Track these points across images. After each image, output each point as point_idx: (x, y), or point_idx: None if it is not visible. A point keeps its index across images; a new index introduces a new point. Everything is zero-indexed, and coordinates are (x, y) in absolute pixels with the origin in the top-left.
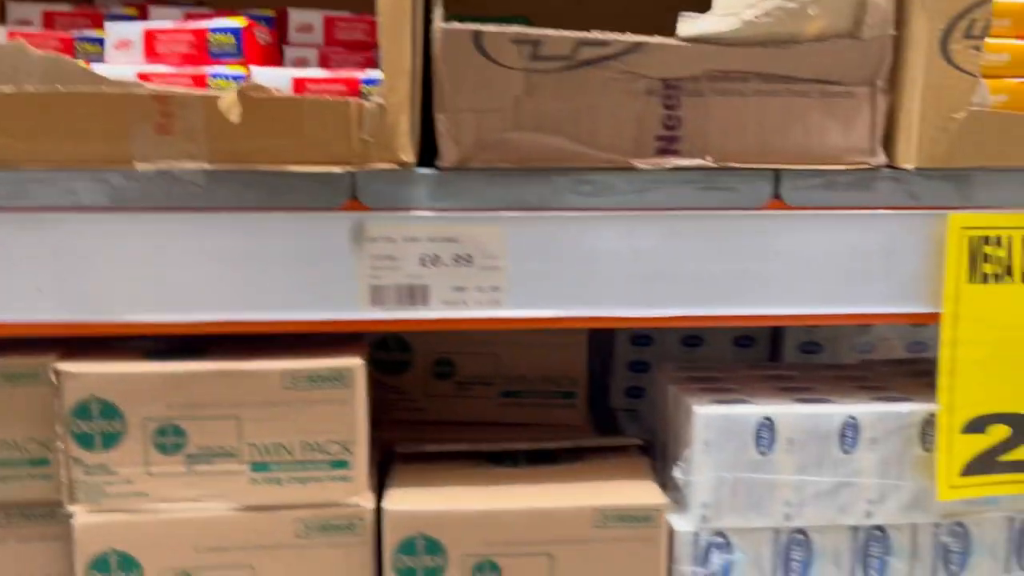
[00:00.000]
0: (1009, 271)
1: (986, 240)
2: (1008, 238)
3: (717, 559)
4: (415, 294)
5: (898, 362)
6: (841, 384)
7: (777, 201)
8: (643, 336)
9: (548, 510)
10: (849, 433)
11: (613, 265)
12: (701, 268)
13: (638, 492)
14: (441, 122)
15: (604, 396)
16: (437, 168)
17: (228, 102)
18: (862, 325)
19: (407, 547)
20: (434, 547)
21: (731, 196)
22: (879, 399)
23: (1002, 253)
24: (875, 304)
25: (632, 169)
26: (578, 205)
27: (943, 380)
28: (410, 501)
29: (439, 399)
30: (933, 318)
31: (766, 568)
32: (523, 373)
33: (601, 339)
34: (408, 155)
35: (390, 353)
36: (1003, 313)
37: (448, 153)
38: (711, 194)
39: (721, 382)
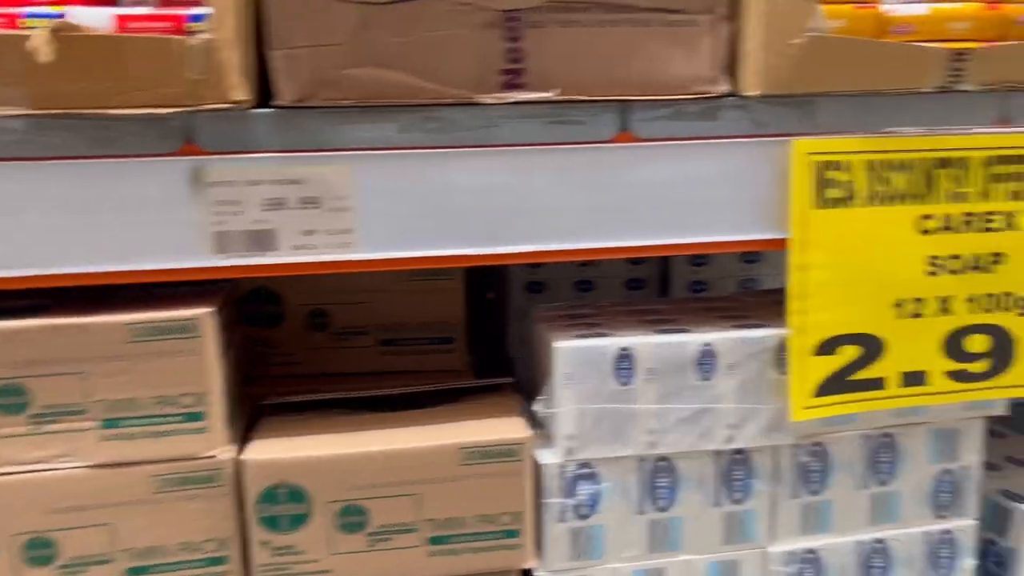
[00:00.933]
0: (853, 195)
1: (830, 165)
2: (850, 163)
3: (584, 489)
4: (262, 239)
5: (766, 292)
6: (705, 315)
7: (626, 133)
8: (536, 283)
9: (412, 450)
10: (706, 360)
11: (464, 203)
12: (553, 203)
13: (503, 428)
14: (274, 59)
15: (501, 344)
16: (276, 107)
17: (37, 42)
18: (747, 262)
19: (269, 496)
20: (297, 495)
21: (580, 130)
22: (737, 327)
23: (846, 178)
24: (726, 232)
25: (478, 104)
26: (426, 143)
27: (793, 304)
28: (272, 450)
29: (315, 351)
30: (783, 244)
31: (633, 495)
32: (400, 321)
33: (496, 287)
34: (241, 94)
35: (260, 306)
36: (849, 236)
37: (284, 91)
38: (560, 128)
39: (589, 319)
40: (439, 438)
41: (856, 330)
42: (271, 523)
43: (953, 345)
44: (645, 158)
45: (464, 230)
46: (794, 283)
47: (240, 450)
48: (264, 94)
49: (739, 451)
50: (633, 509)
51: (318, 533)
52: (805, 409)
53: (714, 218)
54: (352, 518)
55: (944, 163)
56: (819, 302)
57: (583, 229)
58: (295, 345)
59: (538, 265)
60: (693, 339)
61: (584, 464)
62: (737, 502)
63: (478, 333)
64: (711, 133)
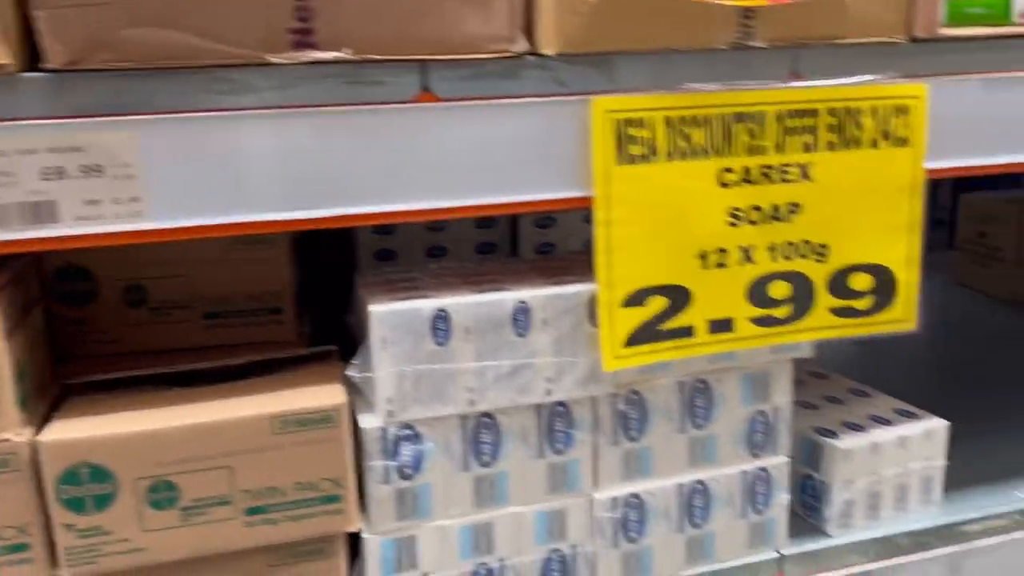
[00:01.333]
0: (654, 151)
1: (631, 123)
2: (650, 119)
3: (407, 451)
4: (41, 211)
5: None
6: (526, 274)
7: (427, 94)
8: (386, 251)
9: (221, 423)
10: (521, 317)
11: (261, 167)
12: (354, 165)
13: (318, 395)
14: (39, 20)
15: (347, 312)
16: (48, 71)
17: None
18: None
19: (71, 477)
20: (101, 474)
21: (379, 90)
22: (553, 283)
23: (646, 134)
24: (531, 191)
25: (271, 65)
26: (217, 105)
27: (600, 259)
28: (72, 430)
29: (135, 328)
30: (588, 201)
31: (456, 453)
32: (223, 293)
33: (346, 256)
34: (4, 57)
35: (70, 283)
36: (652, 191)
37: (53, 53)
38: (358, 89)
39: (410, 283)
40: (249, 409)
41: (662, 282)
42: (74, 505)
43: (757, 292)
44: (447, 119)
45: (261, 196)
46: (600, 239)
47: (37, 432)
48: (36, 58)
49: (559, 403)
50: (458, 467)
51: (127, 512)
52: (616, 359)
53: (519, 178)
54: (162, 494)
55: (741, 118)
56: (625, 256)
57: (386, 191)
58: (111, 323)
59: (388, 232)
60: (508, 297)
61: (406, 426)
62: (560, 453)
63: (328, 303)
64: (512, 92)
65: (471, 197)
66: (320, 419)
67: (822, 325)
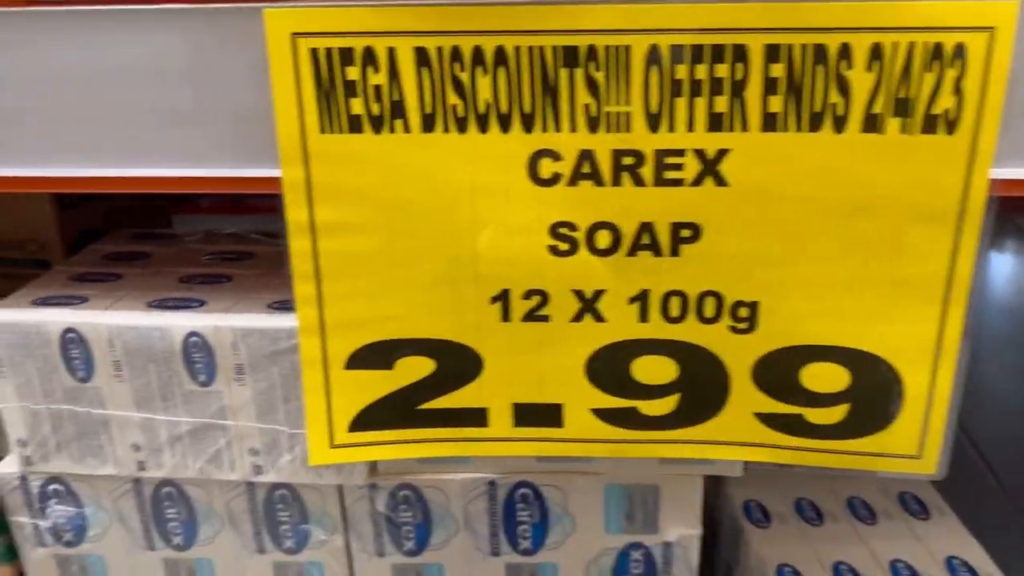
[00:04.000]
0: (399, 111)
1: (346, 57)
2: (385, 49)
3: (60, 511)
4: None
5: None
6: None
7: None
8: None
9: None
10: (198, 356)
11: None
12: None
13: None
14: None
15: None
16: None
17: None
18: None
19: None
20: None
21: None
22: (270, 308)
23: (380, 80)
24: (170, 164)
25: None
26: None
27: (301, 288)
28: None
29: None
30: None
31: (133, 525)
32: None
33: None
34: None
35: None
36: (396, 181)
37: None
38: None
39: (123, 264)
40: None
41: (425, 334)
42: None
43: (608, 369)
44: (35, 33)
45: None
46: (298, 255)
47: None
48: None
49: (281, 486)
50: (139, 543)
51: None
52: (331, 450)
53: (153, 138)
54: None
55: (573, 55)
56: (351, 286)
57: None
58: None
59: None
60: (174, 324)
61: (54, 479)
62: (290, 552)
63: None
64: None
65: (65, 165)
66: None
67: (739, 439)
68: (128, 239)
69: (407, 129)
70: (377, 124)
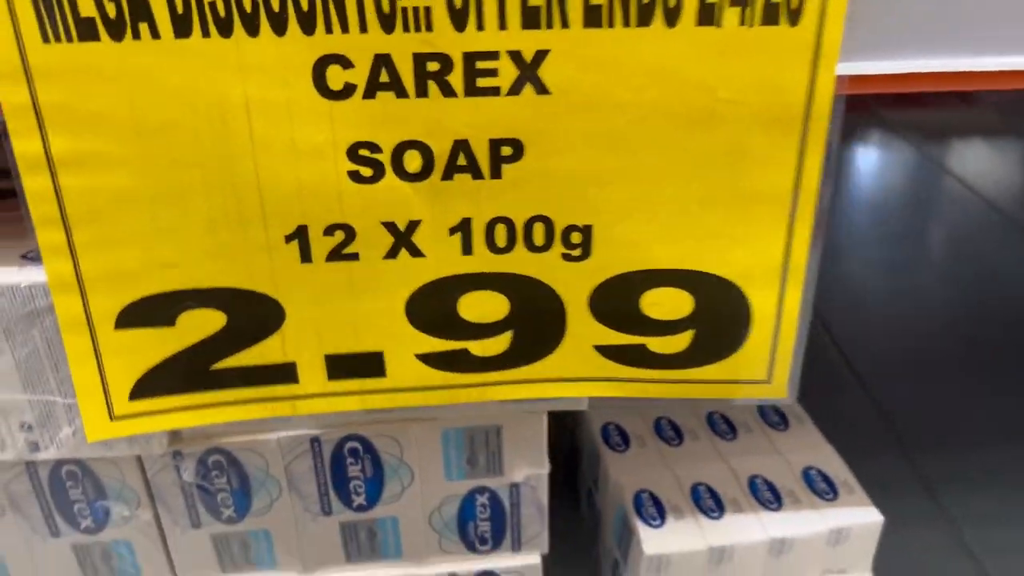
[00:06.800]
0: (146, 10)
1: None
2: None
3: None
4: None
5: None
6: None
7: None
8: None
9: None
10: None
11: None
12: None
13: None
14: None
15: None
16: None
17: None
18: None
19: None
20: None
21: None
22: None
23: None
24: None
25: None
26: None
27: (46, 236)
28: None
29: None
30: None
31: None
32: None
33: None
34: None
35: None
36: (152, 99)
37: None
38: None
39: None
40: None
41: (211, 283)
42: None
43: (431, 309)
44: None
45: None
46: (35, 197)
47: None
48: None
49: (66, 462)
50: None
51: None
52: (113, 421)
53: None
54: None
55: None
56: (110, 231)
57: None
58: None
59: None
60: None
61: None
62: (90, 531)
63: None
64: None
65: None
66: None
67: (579, 374)
68: None
69: (155, 34)
70: (116, 29)
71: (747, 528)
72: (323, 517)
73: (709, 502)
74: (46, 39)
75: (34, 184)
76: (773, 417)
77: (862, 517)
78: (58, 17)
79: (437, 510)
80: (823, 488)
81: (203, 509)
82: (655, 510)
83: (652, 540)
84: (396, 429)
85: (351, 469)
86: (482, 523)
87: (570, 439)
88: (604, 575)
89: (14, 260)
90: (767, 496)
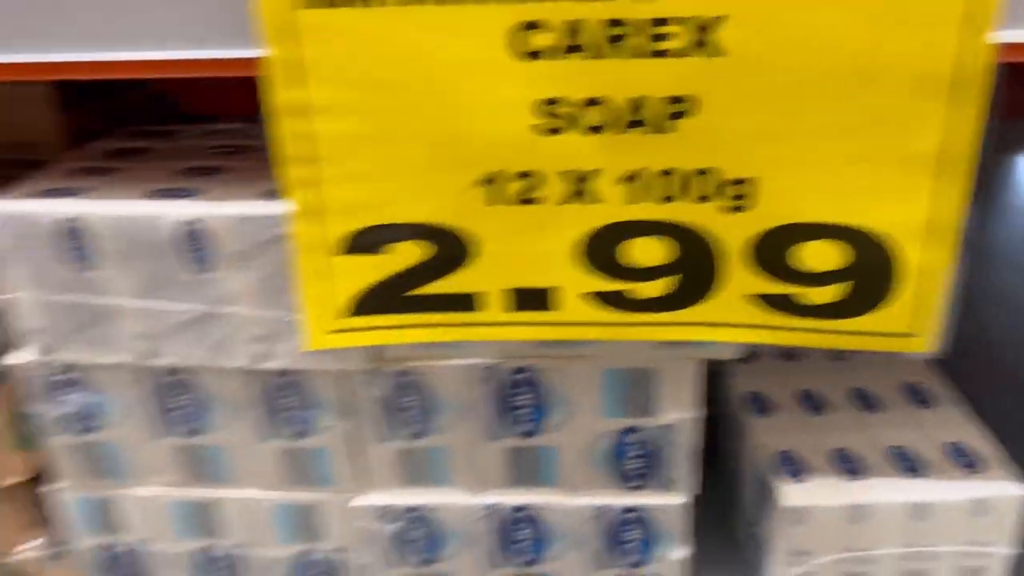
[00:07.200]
0: None
1: None
2: None
3: (75, 399)
4: None
5: None
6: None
7: None
8: None
9: None
10: (195, 245)
11: None
12: None
13: None
14: None
15: None
16: None
17: None
18: None
19: None
20: None
21: None
22: (273, 194)
23: None
24: (147, 46)
25: None
26: None
27: (297, 172)
28: None
29: None
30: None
31: (142, 413)
32: None
33: None
34: None
35: None
36: (382, 59)
37: None
38: None
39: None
40: None
41: (419, 218)
42: None
43: (601, 252)
44: None
45: None
46: (292, 137)
47: None
48: None
49: (285, 373)
50: (150, 430)
51: None
52: (329, 334)
53: (134, 21)
54: None
55: None
56: (348, 169)
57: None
58: None
59: None
60: (169, 212)
61: (69, 368)
62: (297, 437)
63: None
64: None
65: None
66: None
67: (732, 320)
68: (126, 136)
69: (386, 3)
70: None
71: (886, 490)
72: (493, 441)
73: (849, 465)
74: (306, 6)
75: (294, 127)
76: (917, 396)
77: (1006, 490)
78: None
79: (593, 444)
80: (966, 461)
81: (392, 425)
82: (795, 468)
83: (791, 494)
84: (563, 365)
85: (520, 398)
86: (634, 461)
87: (711, 409)
88: (740, 536)
89: (259, 196)
90: (908, 464)
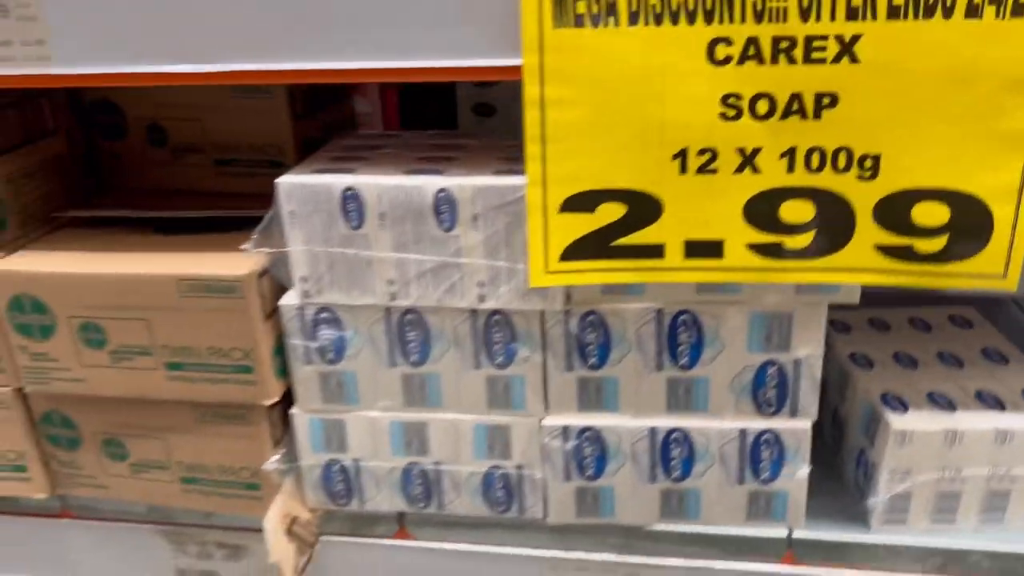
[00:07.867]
0: (611, 9)
1: None
2: None
3: (327, 334)
4: None
5: None
6: (487, 156)
7: None
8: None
9: (135, 276)
10: (445, 208)
11: (169, 12)
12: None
13: (227, 263)
14: None
15: None
16: None
17: None
18: None
19: (16, 305)
20: (39, 306)
21: None
22: (497, 172)
23: None
24: (454, 55)
25: None
26: None
27: (531, 148)
28: (25, 263)
29: (157, 167)
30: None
31: (381, 346)
32: (231, 141)
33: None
34: None
35: (101, 116)
36: (607, 66)
37: None
38: None
39: (370, 151)
40: (166, 267)
41: (620, 185)
42: (24, 330)
43: (761, 212)
44: None
45: (169, 45)
46: (530, 123)
47: None
48: None
49: (497, 312)
50: (384, 360)
51: (66, 345)
52: (547, 274)
53: (422, 35)
54: (92, 335)
55: None
56: (565, 148)
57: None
58: (139, 160)
59: (487, 85)
60: (427, 183)
61: (324, 308)
62: (500, 367)
63: None
64: None
65: (381, 58)
66: (225, 288)
67: (862, 266)
68: (353, 139)
69: (616, 24)
70: (595, 20)
71: (976, 421)
72: (656, 372)
73: (943, 402)
74: (555, 26)
75: (531, 116)
76: (996, 357)
77: None
78: (565, 13)
79: (738, 375)
80: None
81: (576, 357)
82: (899, 403)
83: (898, 421)
84: (717, 308)
85: (681, 336)
86: (770, 390)
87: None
88: (848, 471)
89: (491, 173)
90: (992, 403)
